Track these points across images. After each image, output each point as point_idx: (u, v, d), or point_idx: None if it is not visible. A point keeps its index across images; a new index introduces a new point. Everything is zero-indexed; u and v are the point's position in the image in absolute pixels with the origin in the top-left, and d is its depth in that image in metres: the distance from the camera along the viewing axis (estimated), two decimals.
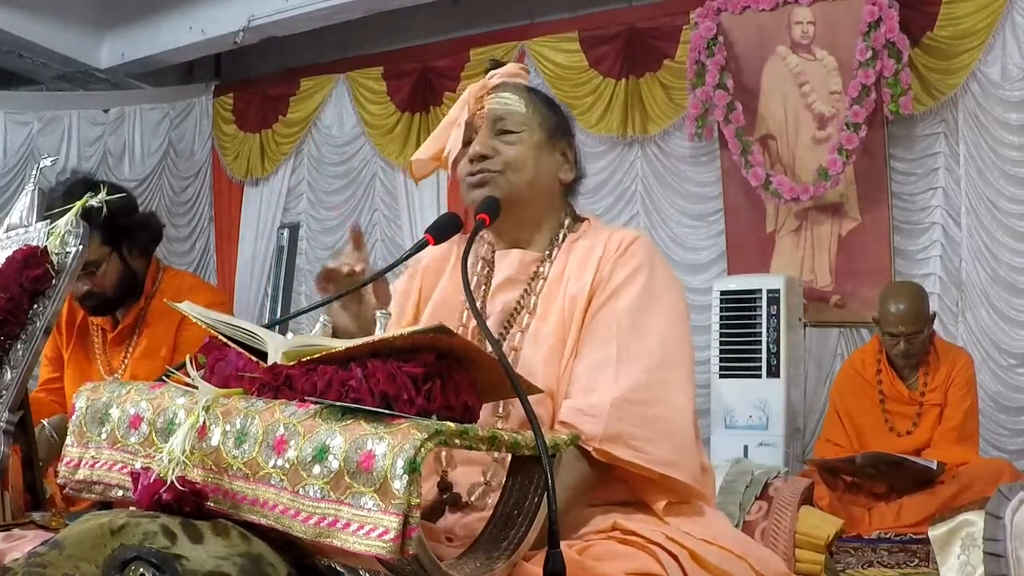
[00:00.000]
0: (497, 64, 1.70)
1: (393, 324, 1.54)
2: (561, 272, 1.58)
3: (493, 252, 1.66)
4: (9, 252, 2.00)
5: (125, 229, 2.54)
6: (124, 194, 2.53)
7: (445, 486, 1.47)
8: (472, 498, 1.45)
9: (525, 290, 1.59)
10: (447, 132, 1.65)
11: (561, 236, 1.63)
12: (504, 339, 1.55)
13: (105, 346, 2.65)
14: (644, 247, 1.57)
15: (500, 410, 1.48)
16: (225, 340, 1.26)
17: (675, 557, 1.35)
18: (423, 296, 1.68)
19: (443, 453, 1.49)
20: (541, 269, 1.60)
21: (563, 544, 1.21)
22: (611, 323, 1.49)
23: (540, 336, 1.53)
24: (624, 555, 1.34)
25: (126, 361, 2.60)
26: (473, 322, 1.58)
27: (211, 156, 7.29)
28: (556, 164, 1.64)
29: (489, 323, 1.56)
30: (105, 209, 2.29)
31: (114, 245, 2.53)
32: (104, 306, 2.59)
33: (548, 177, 1.63)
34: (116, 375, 2.58)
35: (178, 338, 2.58)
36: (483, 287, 1.63)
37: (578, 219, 1.67)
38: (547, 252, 1.61)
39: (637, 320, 1.50)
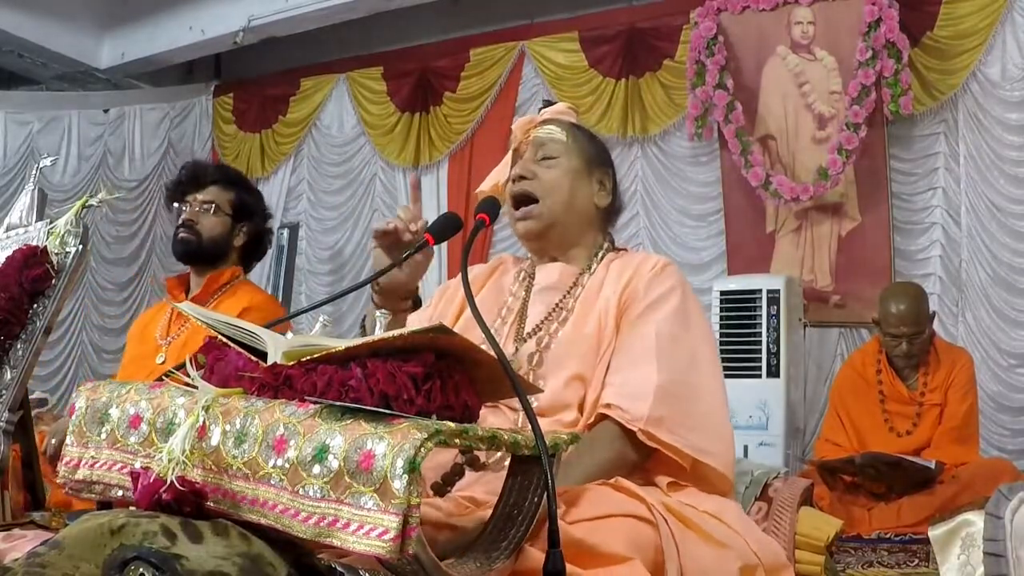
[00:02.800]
0: (548, 103, 1.90)
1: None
2: (600, 283, 1.70)
3: (535, 266, 1.79)
4: (9, 252, 2.00)
5: (251, 213, 2.82)
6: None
7: (466, 448, 1.49)
8: (491, 461, 1.50)
9: (565, 295, 1.70)
10: (506, 166, 1.82)
11: (601, 255, 1.76)
12: (541, 328, 1.66)
13: (171, 317, 2.77)
14: (677, 271, 1.71)
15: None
16: (225, 340, 1.26)
17: (666, 521, 1.38)
18: (463, 304, 1.78)
19: None
20: (581, 279, 1.72)
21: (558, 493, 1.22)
22: (651, 331, 1.60)
23: (577, 328, 1.64)
24: (612, 499, 1.37)
25: (184, 329, 2.69)
26: (507, 326, 1.69)
27: (211, 156, 7.28)
28: (592, 190, 1.79)
29: (529, 319, 1.70)
30: (251, 190, 2.89)
31: (235, 212, 2.79)
32: (195, 245, 2.74)
33: (584, 200, 1.77)
34: (170, 338, 2.70)
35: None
36: (524, 294, 1.75)
37: (616, 248, 1.81)
38: (587, 266, 1.74)
39: (674, 331, 1.61)
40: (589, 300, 1.67)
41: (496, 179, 1.82)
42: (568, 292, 1.70)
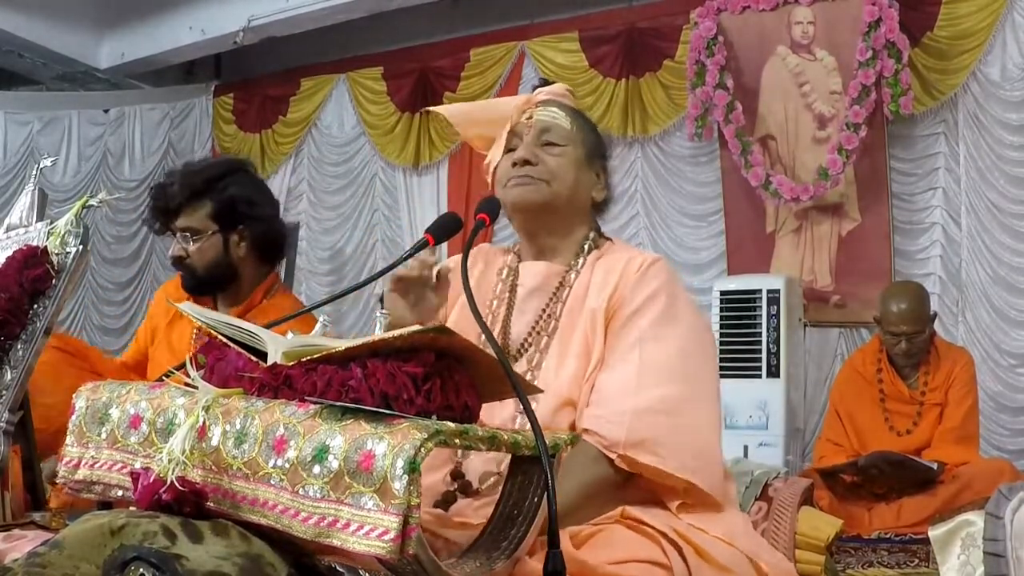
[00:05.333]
0: (545, 82, 1.82)
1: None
2: (585, 286, 1.63)
3: (519, 261, 1.73)
4: (9, 252, 2.00)
5: (239, 215, 2.46)
6: (262, 187, 2.58)
7: (458, 475, 1.49)
8: (483, 486, 1.48)
9: (551, 299, 1.64)
10: (479, 128, 1.75)
11: (586, 249, 1.69)
12: (530, 345, 1.60)
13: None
14: (664, 270, 1.63)
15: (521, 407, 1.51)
16: (225, 340, 1.26)
17: (678, 548, 1.35)
18: (451, 301, 1.72)
19: None
20: (567, 278, 1.65)
21: (565, 533, 1.21)
22: (634, 340, 1.54)
23: (565, 346, 1.58)
24: (628, 540, 1.35)
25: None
26: (497, 327, 1.64)
27: (211, 156, 7.28)
28: (591, 182, 1.72)
29: (515, 329, 1.63)
30: (229, 187, 2.43)
31: (221, 225, 2.44)
32: (193, 280, 2.46)
33: (583, 193, 1.71)
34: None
35: None
36: (508, 295, 1.68)
37: (602, 237, 1.74)
38: (573, 263, 1.67)
39: (659, 337, 1.54)
40: (575, 309, 1.61)
41: (468, 128, 1.75)
42: (554, 294, 1.64)
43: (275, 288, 2.56)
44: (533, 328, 1.62)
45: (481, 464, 1.50)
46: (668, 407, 1.48)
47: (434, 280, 1.54)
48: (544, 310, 1.63)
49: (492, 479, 1.47)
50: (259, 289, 2.52)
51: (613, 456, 1.45)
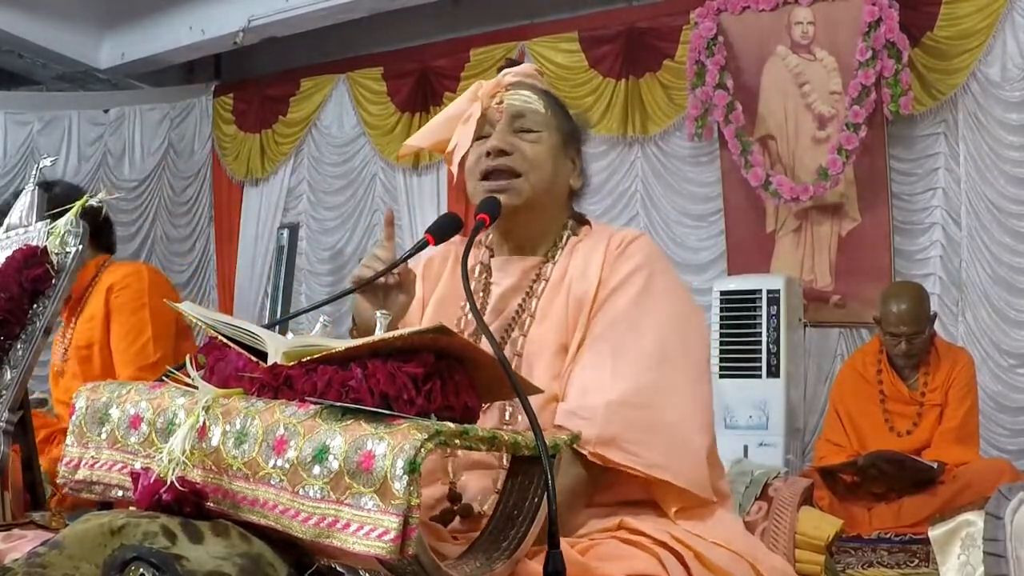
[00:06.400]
0: (512, 63, 1.71)
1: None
2: (563, 275, 1.55)
3: (491, 257, 1.64)
4: (9, 252, 2.00)
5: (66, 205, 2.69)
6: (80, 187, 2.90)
7: (455, 497, 1.44)
8: (484, 507, 1.43)
9: (527, 294, 1.56)
10: (449, 126, 1.63)
11: (564, 239, 1.60)
12: (506, 343, 1.53)
13: (63, 333, 2.86)
14: (644, 247, 1.55)
15: (507, 416, 1.48)
16: (225, 340, 1.25)
17: (680, 557, 1.34)
18: (424, 298, 1.67)
19: (450, 463, 1.48)
20: (543, 271, 1.58)
21: (565, 543, 1.20)
22: (607, 324, 1.47)
23: (542, 340, 1.51)
24: (627, 555, 1.32)
25: (71, 328, 2.80)
26: (472, 323, 1.57)
27: (211, 156, 7.29)
28: (568, 170, 1.63)
29: (490, 328, 1.54)
30: (55, 188, 2.67)
31: (54, 218, 2.66)
32: None
33: (561, 182, 1.61)
34: (64, 355, 2.81)
35: (108, 306, 2.78)
36: (482, 293, 1.61)
37: (581, 222, 1.66)
38: (548, 254, 1.59)
39: (634, 320, 1.47)
40: (551, 299, 1.53)
41: (436, 139, 1.65)
42: (529, 290, 1.56)
43: (107, 263, 2.84)
44: (510, 325, 1.55)
45: (477, 482, 1.46)
46: (642, 400, 1.41)
47: (396, 278, 1.46)
48: (520, 305, 1.56)
49: (492, 497, 1.42)
50: (91, 266, 2.77)
51: (585, 452, 1.39)
